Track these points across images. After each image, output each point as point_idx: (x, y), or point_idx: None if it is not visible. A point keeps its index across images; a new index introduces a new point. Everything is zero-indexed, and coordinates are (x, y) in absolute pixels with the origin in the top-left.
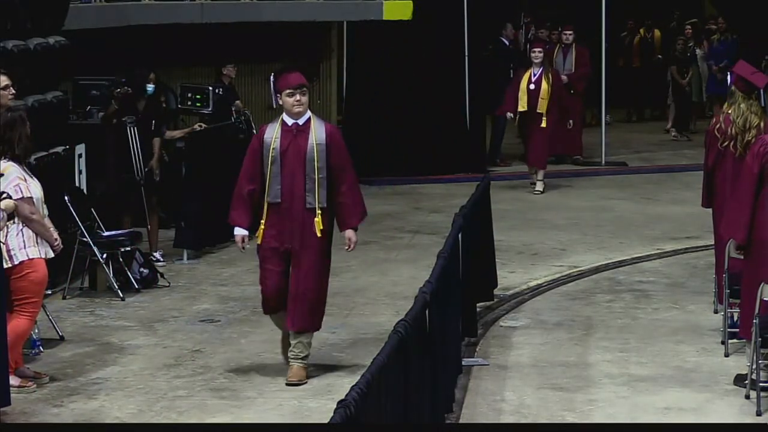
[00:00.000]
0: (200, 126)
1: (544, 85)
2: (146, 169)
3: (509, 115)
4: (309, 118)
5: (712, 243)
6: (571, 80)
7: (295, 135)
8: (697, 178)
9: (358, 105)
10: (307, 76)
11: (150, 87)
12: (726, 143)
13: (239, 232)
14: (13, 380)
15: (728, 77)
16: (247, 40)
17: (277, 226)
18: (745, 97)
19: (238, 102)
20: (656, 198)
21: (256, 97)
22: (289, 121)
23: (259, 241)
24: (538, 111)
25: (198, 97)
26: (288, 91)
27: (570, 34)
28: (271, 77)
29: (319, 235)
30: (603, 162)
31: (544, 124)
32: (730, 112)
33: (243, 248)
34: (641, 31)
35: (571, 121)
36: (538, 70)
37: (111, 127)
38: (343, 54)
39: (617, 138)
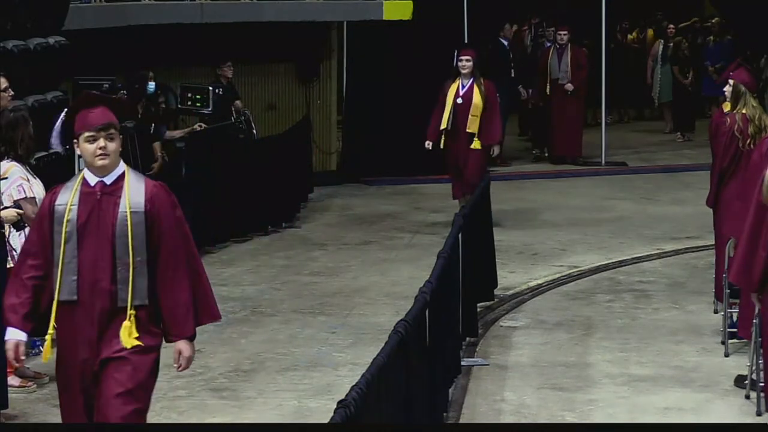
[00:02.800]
0: (200, 126)
1: (476, 98)
2: (149, 174)
3: (427, 144)
4: (122, 174)
5: (712, 243)
6: (575, 87)
7: (100, 199)
8: (697, 178)
9: (358, 105)
10: (120, 109)
11: (151, 86)
12: (747, 142)
13: (13, 336)
14: (14, 380)
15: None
16: (247, 40)
17: (74, 335)
18: (753, 96)
19: (238, 102)
20: (656, 198)
21: (256, 97)
22: (92, 180)
23: (44, 357)
24: (468, 130)
25: (198, 97)
26: (87, 134)
27: (565, 35)
28: (62, 115)
29: (130, 347)
30: (603, 162)
31: (477, 145)
32: (744, 111)
33: (17, 363)
34: (635, 32)
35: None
36: (467, 82)
37: None
38: (343, 54)
39: (617, 138)
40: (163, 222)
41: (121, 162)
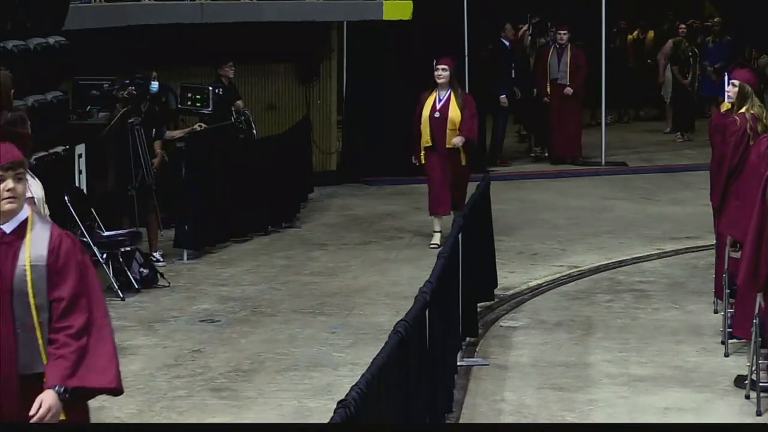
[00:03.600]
0: (200, 126)
1: (453, 112)
2: (154, 170)
3: (414, 161)
4: (25, 221)
5: (712, 243)
6: (575, 89)
7: None
8: (697, 178)
9: (358, 105)
10: (25, 145)
11: (154, 85)
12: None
13: None
14: None
15: (725, 78)
16: (247, 40)
17: None
18: (760, 96)
19: (238, 102)
20: (656, 198)
21: (256, 97)
22: None
23: None
24: (448, 146)
25: (198, 97)
26: None
27: (565, 34)
28: None
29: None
30: (603, 162)
31: (463, 161)
32: (753, 111)
33: None
34: (635, 32)
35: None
36: (444, 94)
37: (113, 130)
38: (343, 54)
39: (617, 138)
40: (65, 275)
41: (25, 206)
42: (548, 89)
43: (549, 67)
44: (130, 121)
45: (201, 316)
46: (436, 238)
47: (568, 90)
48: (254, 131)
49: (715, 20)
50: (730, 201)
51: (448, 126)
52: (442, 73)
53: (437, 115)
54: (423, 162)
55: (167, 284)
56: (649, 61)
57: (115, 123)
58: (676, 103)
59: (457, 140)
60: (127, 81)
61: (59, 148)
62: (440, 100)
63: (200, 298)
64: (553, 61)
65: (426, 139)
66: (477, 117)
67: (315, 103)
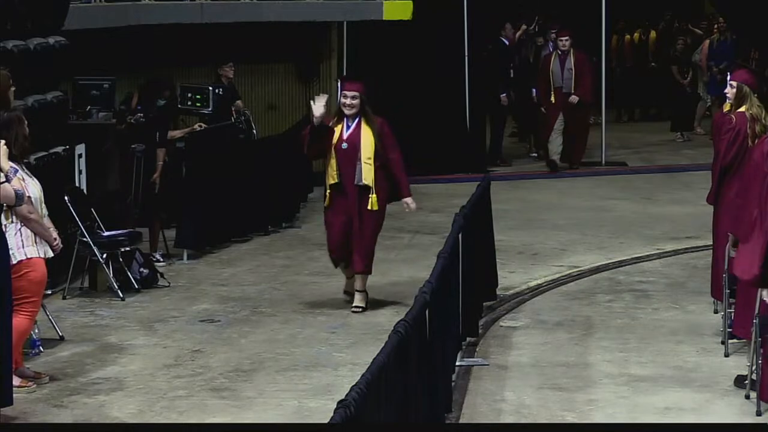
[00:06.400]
0: (200, 126)
1: (365, 139)
2: (150, 180)
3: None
4: None
5: (712, 243)
6: (581, 96)
7: None
8: (697, 178)
9: None
10: None
11: (161, 102)
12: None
13: None
14: (14, 380)
15: (728, 78)
16: (247, 40)
17: None
18: (758, 96)
19: (238, 102)
20: (656, 198)
21: (256, 97)
22: None
23: None
24: (357, 184)
25: (198, 97)
26: None
27: (567, 40)
28: None
29: None
30: (603, 162)
31: (374, 206)
32: (752, 111)
33: None
34: (636, 33)
35: None
36: (353, 122)
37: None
38: (343, 54)
39: (617, 138)
40: None
41: None
42: (552, 98)
43: (552, 75)
44: (133, 146)
45: (201, 316)
46: (359, 299)
47: (573, 98)
48: (254, 131)
49: (720, 20)
50: (732, 200)
51: (362, 157)
52: (351, 101)
53: (345, 146)
54: (326, 204)
55: (167, 284)
56: (653, 64)
57: (119, 138)
58: (675, 103)
59: (413, 206)
60: (140, 106)
61: (59, 148)
62: (348, 128)
63: (200, 298)
64: (556, 68)
65: (332, 175)
66: (398, 149)
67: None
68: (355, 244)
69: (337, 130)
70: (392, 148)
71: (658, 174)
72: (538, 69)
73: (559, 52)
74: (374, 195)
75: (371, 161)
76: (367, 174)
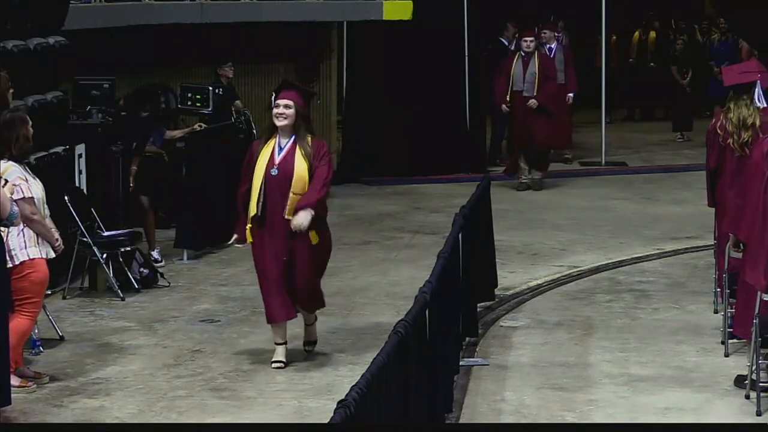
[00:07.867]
0: (200, 126)
1: (299, 165)
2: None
3: (235, 239)
4: None
5: (712, 243)
6: (542, 102)
7: None
8: (697, 178)
9: (358, 105)
10: None
11: (144, 114)
12: (728, 141)
13: None
14: (13, 380)
15: None
16: (247, 40)
17: None
18: (738, 96)
19: (238, 102)
20: (656, 198)
21: (256, 97)
22: None
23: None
24: (287, 217)
25: (198, 97)
26: None
27: (531, 41)
28: None
29: None
30: (603, 162)
31: (314, 239)
32: (740, 113)
33: None
34: (636, 33)
35: None
36: (285, 142)
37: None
38: (343, 54)
39: (617, 138)
40: None
41: None
42: (507, 99)
43: (512, 78)
44: (112, 147)
45: (201, 316)
46: (279, 353)
47: (533, 102)
48: (254, 131)
49: (721, 20)
50: (732, 200)
51: (292, 189)
52: (284, 111)
53: (275, 172)
54: (249, 241)
55: (167, 284)
56: (652, 64)
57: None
58: (675, 103)
59: (301, 219)
60: (123, 113)
61: (59, 148)
62: (281, 150)
63: (200, 298)
64: (518, 70)
65: (253, 207)
66: (330, 170)
67: (315, 103)
68: (298, 282)
69: (267, 148)
70: (323, 165)
71: (658, 174)
72: (498, 68)
73: (522, 54)
74: (313, 231)
75: (301, 192)
76: (293, 206)
